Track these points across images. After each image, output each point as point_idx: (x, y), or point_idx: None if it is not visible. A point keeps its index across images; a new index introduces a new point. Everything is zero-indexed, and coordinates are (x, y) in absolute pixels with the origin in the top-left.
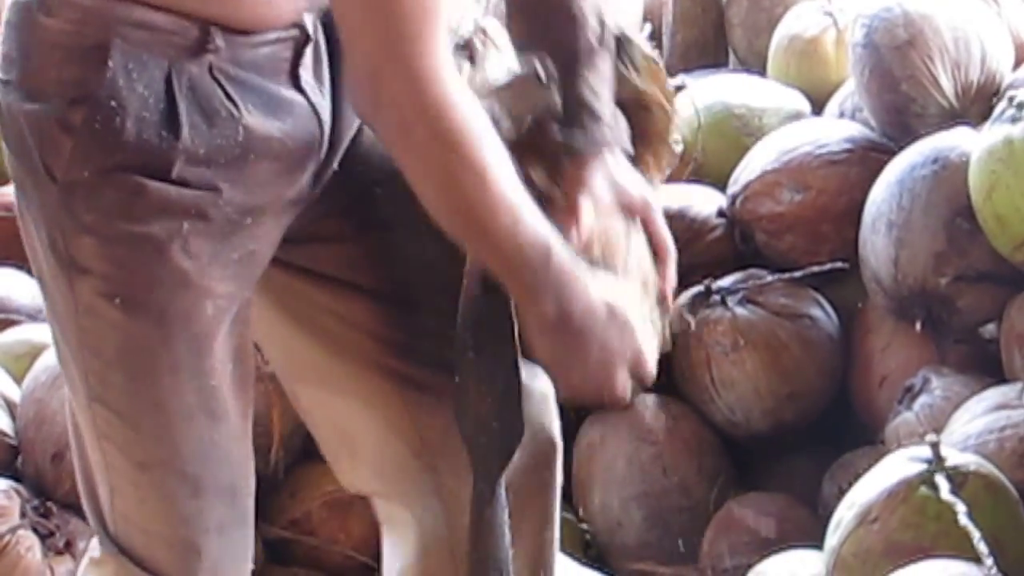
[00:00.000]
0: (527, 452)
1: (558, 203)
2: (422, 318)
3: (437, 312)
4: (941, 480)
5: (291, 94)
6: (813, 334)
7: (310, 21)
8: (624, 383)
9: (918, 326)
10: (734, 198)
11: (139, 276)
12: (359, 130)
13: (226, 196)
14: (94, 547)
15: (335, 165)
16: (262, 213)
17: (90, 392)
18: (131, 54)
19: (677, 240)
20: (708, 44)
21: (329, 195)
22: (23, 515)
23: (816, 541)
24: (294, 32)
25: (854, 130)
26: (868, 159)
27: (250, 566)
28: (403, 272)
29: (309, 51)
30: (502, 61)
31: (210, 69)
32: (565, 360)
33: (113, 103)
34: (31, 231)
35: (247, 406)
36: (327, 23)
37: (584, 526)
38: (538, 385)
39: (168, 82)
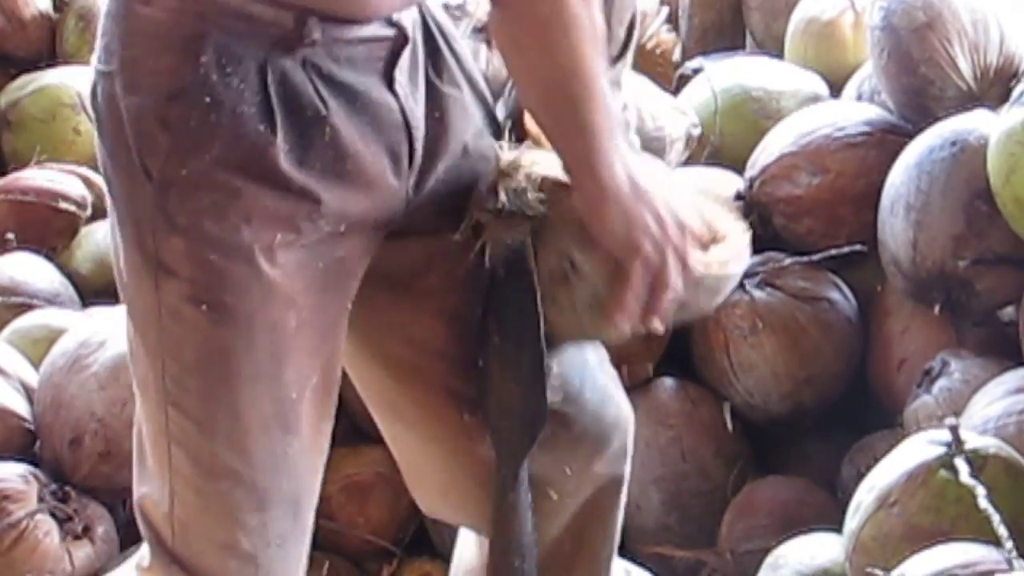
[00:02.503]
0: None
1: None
2: None
3: None
4: (960, 463)
5: (382, 95)
6: (831, 317)
7: (409, 22)
8: (674, 256)
9: (937, 309)
10: (752, 181)
11: (227, 282)
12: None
13: (324, 208)
14: (144, 555)
15: (434, 177)
16: (356, 225)
17: (167, 396)
18: (225, 47)
19: None
20: (725, 27)
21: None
22: (41, 500)
23: (835, 524)
24: (391, 32)
25: (872, 113)
26: (886, 142)
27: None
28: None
29: (407, 54)
30: None
31: (303, 63)
32: (624, 223)
33: (208, 99)
34: (117, 228)
35: (325, 419)
36: (428, 27)
37: None
38: (623, 410)
39: (263, 75)
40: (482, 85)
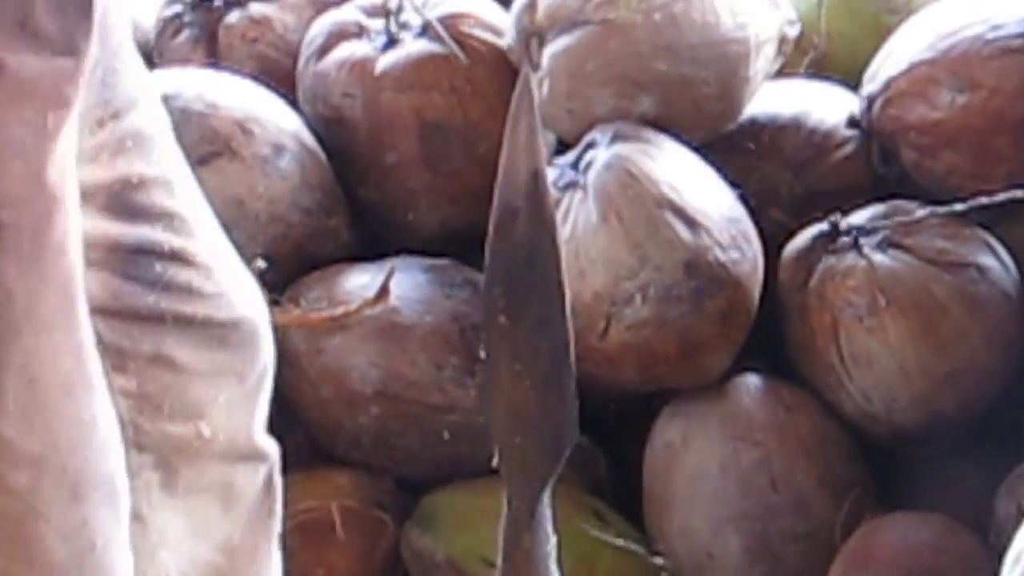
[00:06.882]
0: None
1: None
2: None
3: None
4: None
5: None
6: (982, 291)
7: None
8: None
9: None
10: (871, 101)
11: (3, 193)
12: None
13: (84, 62)
14: None
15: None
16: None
17: None
18: None
19: (792, 158)
20: None
21: None
22: None
23: None
24: None
25: None
26: None
27: None
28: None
29: None
30: None
31: None
32: None
33: None
34: None
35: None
36: None
37: (660, 560)
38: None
39: None
40: None
